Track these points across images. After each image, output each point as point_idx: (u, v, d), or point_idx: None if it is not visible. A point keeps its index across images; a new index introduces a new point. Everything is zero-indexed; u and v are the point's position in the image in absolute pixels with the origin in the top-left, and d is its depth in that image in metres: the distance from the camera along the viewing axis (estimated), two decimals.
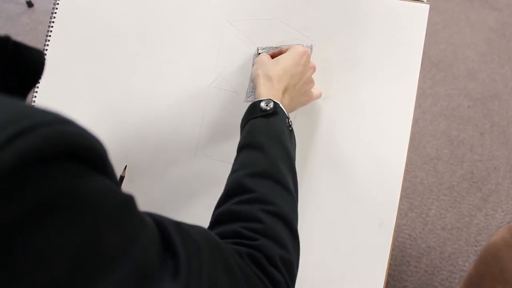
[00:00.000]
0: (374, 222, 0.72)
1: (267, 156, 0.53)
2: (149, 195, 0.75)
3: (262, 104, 0.58)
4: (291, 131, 0.60)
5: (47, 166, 0.23)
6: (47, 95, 0.76)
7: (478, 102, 1.92)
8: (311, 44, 0.74)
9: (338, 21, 0.74)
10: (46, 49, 0.76)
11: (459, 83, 1.98)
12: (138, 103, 0.76)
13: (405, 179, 0.73)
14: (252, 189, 0.49)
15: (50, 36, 0.76)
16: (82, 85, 0.77)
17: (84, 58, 0.77)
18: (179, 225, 0.37)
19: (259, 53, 0.73)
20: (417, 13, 0.73)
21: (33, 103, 0.75)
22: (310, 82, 0.69)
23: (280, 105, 0.59)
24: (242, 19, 0.75)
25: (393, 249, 0.71)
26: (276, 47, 0.73)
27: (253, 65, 0.74)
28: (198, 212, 0.75)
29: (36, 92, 0.76)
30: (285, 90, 0.64)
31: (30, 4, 2.28)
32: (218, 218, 0.48)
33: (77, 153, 0.25)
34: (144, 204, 0.31)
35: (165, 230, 0.34)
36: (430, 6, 0.73)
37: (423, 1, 0.74)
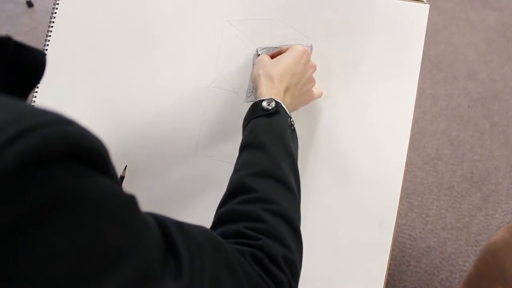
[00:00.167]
0: (374, 222, 0.72)
1: (269, 156, 0.53)
2: (149, 194, 0.75)
3: (264, 104, 0.58)
4: (293, 130, 0.60)
5: (48, 167, 0.23)
6: (47, 95, 0.76)
7: (478, 102, 1.92)
8: (311, 44, 0.74)
9: (338, 21, 0.74)
10: (46, 49, 0.76)
11: (459, 83, 1.98)
12: (138, 103, 0.76)
13: (405, 179, 0.73)
14: (255, 188, 0.49)
15: (50, 36, 0.76)
16: (82, 85, 0.77)
17: (84, 58, 0.77)
18: (181, 225, 0.37)
19: (259, 54, 0.74)
20: (417, 13, 0.73)
21: (33, 103, 0.75)
22: (311, 81, 0.69)
23: (282, 104, 0.59)
24: (242, 19, 0.75)
25: (393, 249, 0.71)
26: (276, 47, 0.73)
27: (253, 65, 0.74)
28: (198, 211, 0.75)
29: (36, 92, 0.76)
30: (286, 90, 0.64)
31: (30, 4, 2.28)
32: (221, 218, 0.48)
33: (78, 153, 0.25)
34: (144, 204, 0.31)
35: (167, 230, 0.34)
36: (430, 6, 0.73)
37: (423, 1, 0.74)
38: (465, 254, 1.51)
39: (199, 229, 0.39)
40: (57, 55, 0.76)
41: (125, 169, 0.75)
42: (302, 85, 0.67)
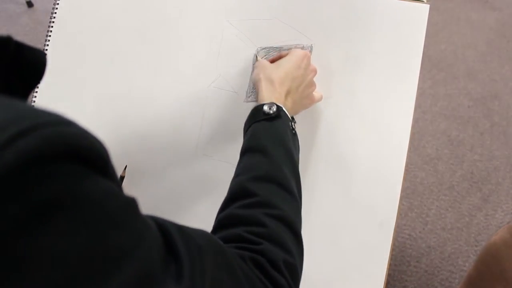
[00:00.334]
0: (374, 222, 0.72)
1: (270, 160, 0.53)
2: (149, 194, 0.75)
3: (265, 108, 0.58)
4: (294, 134, 0.60)
5: (48, 167, 0.23)
6: (47, 95, 0.76)
7: (478, 102, 1.92)
8: (311, 44, 0.74)
9: (338, 21, 0.74)
10: (46, 49, 0.76)
11: (459, 83, 1.98)
12: (138, 103, 0.76)
13: (405, 179, 0.73)
14: (256, 193, 0.49)
15: (50, 36, 0.76)
16: (82, 85, 0.77)
17: (84, 58, 0.77)
18: (182, 229, 0.36)
19: (259, 55, 0.74)
20: (417, 13, 0.73)
21: (33, 103, 0.75)
22: (312, 85, 0.69)
23: (283, 108, 0.59)
24: (242, 19, 0.75)
25: (393, 249, 0.72)
26: (277, 47, 0.73)
27: (253, 65, 0.74)
28: (198, 211, 0.75)
29: (36, 92, 0.76)
30: (287, 94, 0.63)
31: (30, 4, 2.28)
32: (221, 222, 0.48)
33: (78, 154, 0.25)
34: (144, 204, 0.31)
35: (168, 233, 0.34)
36: (430, 6, 0.73)
37: (423, 1, 0.74)
38: (465, 254, 1.51)
39: (200, 232, 0.39)
40: (57, 55, 0.76)
41: (125, 169, 0.75)
42: (303, 89, 0.66)
